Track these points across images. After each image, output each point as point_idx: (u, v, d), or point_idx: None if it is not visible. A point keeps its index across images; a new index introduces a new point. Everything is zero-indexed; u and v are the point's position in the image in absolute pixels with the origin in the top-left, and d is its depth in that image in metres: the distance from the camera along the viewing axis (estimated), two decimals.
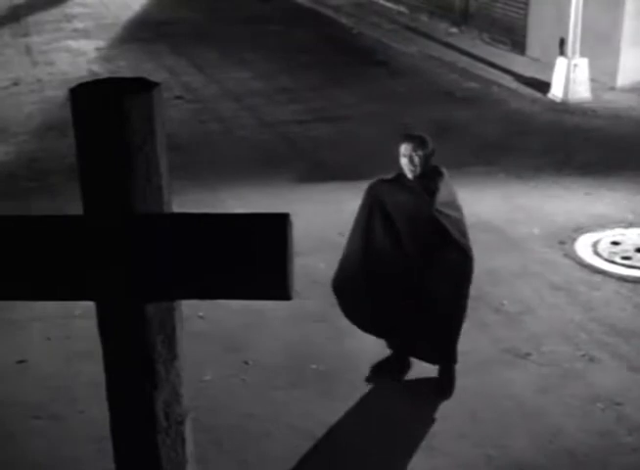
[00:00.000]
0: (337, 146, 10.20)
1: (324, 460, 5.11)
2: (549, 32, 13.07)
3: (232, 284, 2.01)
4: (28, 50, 15.56)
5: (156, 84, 2.06)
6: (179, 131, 10.45)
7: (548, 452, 5.09)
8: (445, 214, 5.32)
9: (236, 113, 11.67)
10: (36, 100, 12.39)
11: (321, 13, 17.97)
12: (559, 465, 5.00)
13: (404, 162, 5.32)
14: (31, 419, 5.46)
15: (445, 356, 5.65)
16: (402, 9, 17.54)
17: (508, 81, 12.68)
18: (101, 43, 15.85)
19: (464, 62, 13.72)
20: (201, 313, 6.47)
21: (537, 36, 13.64)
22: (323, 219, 8.08)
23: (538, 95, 12.00)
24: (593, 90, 11.83)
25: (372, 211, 5.48)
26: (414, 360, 5.82)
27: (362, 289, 5.57)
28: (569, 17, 11.60)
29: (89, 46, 15.64)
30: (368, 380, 5.79)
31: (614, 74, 12.15)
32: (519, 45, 14.07)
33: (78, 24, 17.61)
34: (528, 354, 6.02)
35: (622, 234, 7.84)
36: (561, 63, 11.77)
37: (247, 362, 6.02)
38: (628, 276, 7.09)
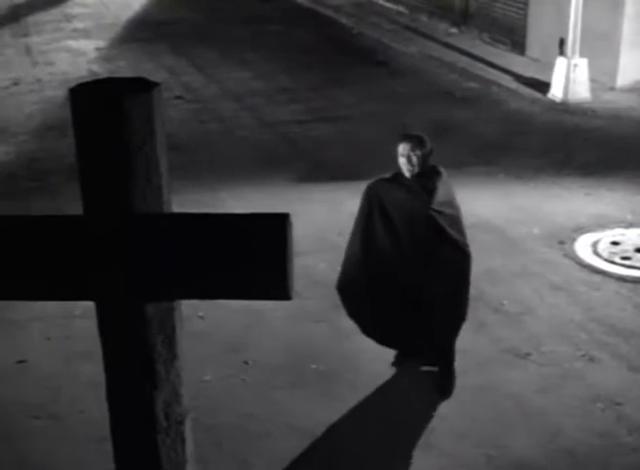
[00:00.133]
0: (337, 146, 10.21)
1: (324, 460, 5.11)
2: (549, 32, 13.07)
3: (232, 284, 2.01)
4: (28, 50, 15.56)
5: (155, 84, 2.06)
6: (179, 131, 10.45)
7: (548, 452, 5.09)
8: (443, 213, 5.34)
9: (236, 113, 11.67)
10: (36, 100, 12.39)
11: (321, 13, 17.97)
12: (559, 465, 5.00)
13: (402, 161, 5.34)
14: (31, 419, 5.46)
15: (443, 356, 5.65)
16: (402, 9, 17.54)
17: (508, 81, 12.68)
18: (101, 43, 15.85)
19: (464, 62, 13.72)
20: (201, 313, 6.47)
21: (537, 36, 13.64)
22: (323, 219, 8.08)
23: (538, 95, 12.00)
24: (593, 90, 11.83)
25: (371, 211, 5.49)
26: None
27: (363, 290, 5.59)
28: (568, 17, 11.60)
29: (89, 46, 15.64)
30: (393, 364, 5.90)
31: (613, 75, 12.15)
32: (518, 45, 14.07)
33: (78, 24, 17.61)
34: (528, 354, 6.02)
35: (622, 234, 7.84)
36: (560, 63, 11.78)
37: (247, 362, 6.02)
38: (628, 276, 7.09)
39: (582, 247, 7.59)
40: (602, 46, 12.06)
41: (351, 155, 9.79)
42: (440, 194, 5.35)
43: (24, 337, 6.40)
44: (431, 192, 5.33)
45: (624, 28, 11.97)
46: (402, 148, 5.34)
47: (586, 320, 6.45)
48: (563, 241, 7.70)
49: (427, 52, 14.47)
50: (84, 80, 2.13)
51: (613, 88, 12.16)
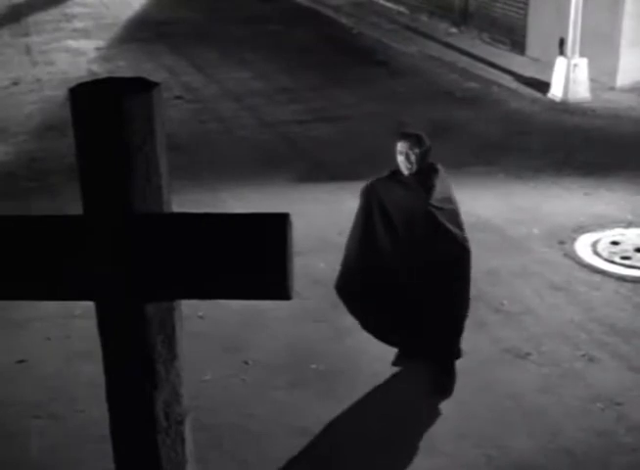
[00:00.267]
0: (337, 146, 10.21)
1: (324, 460, 5.11)
2: (549, 32, 13.07)
3: (232, 284, 2.01)
4: (28, 50, 15.56)
5: (155, 84, 2.06)
6: (179, 131, 10.45)
7: (548, 452, 5.09)
8: (441, 209, 5.37)
9: (236, 113, 11.67)
10: (36, 100, 12.39)
11: (321, 13, 17.97)
12: (558, 465, 5.00)
13: (400, 159, 5.38)
14: (31, 419, 5.46)
15: (446, 352, 5.66)
16: (402, 9, 17.54)
17: (508, 81, 12.68)
18: (100, 43, 15.84)
19: (464, 62, 13.72)
20: (200, 313, 6.47)
21: (537, 36, 13.64)
22: (323, 219, 8.08)
23: (538, 95, 12.00)
24: (593, 90, 11.83)
25: (371, 210, 5.51)
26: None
27: (363, 288, 5.61)
28: (568, 16, 11.60)
29: (89, 46, 15.64)
30: (394, 364, 5.90)
31: (613, 74, 12.15)
32: (518, 45, 14.07)
33: (78, 24, 17.61)
34: (528, 354, 6.02)
35: (622, 234, 7.84)
36: (560, 63, 11.77)
37: (246, 362, 6.02)
38: (628, 276, 7.10)
39: (582, 247, 7.59)
40: (602, 46, 12.06)
41: (351, 155, 9.79)
42: (438, 190, 5.38)
43: (24, 337, 6.40)
44: (429, 189, 5.35)
45: (624, 28, 11.98)
46: (400, 146, 5.38)
47: (586, 320, 6.45)
48: (563, 241, 7.70)
49: (427, 52, 14.47)
50: (84, 80, 2.13)
51: (613, 88, 12.16)
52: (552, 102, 11.72)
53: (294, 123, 11.12)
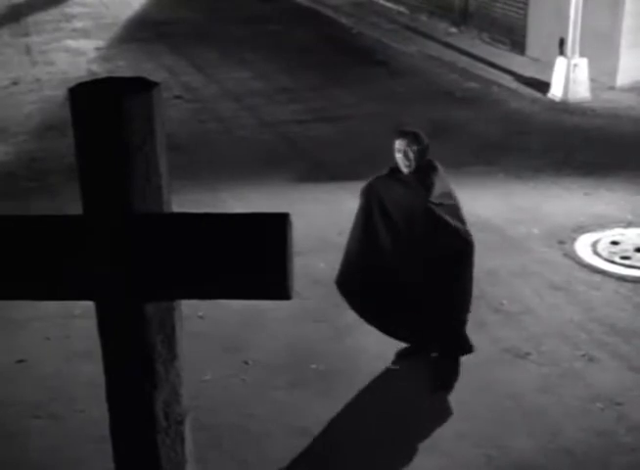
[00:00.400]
0: (337, 146, 10.21)
1: (324, 460, 5.11)
2: (549, 32, 13.07)
3: (232, 284, 2.01)
4: (28, 50, 15.56)
5: (155, 84, 2.06)
6: (179, 131, 10.45)
7: (548, 452, 5.09)
8: (442, 205, 5.39)
9: (236, 112, 11.67)
10: (36, 100, 12.39)
11: (321, 13, 17.97)
12: (558, 465, 5.00)
13: (399, 157, 5.41)
14: (31, 419, 5.46)
15: (452, 345, 5.69)
16: (402, 9, 17.54)
17: (508, 81, 12.68)
18: (100, 43, 15.84)
19: (463, 62, 13.72)
20: (200, 313, 6.47)
21: (537, 36, 13.64)
22: (323, 219, 8.08)
23: (538, 95, 12.00)
24: (593, 90, 11.83)
25: (371, 209, 5.53)
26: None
27: (364, 287, 5.64)
28: (568, 16, 11.60)
29: (88, 46, 15.63)
30: (394, 364, 5.89)
31: (613, 74, 12.15)
32: (518, 45, 14.07)
33: (78, 24, 17.61)
34: (528, 354, 6.02)
35: (622, 234, 7.84)
36: (560, 62, 11.77)
37: (246, 362, 6.02)
38: (628, 276, 7.10)
39: (582, 246, 7.59)
40: (602, 46, 12.06)
41: (351, 155, 9.79)
42: (438, 187, 5.40)
43: (24, 336, 6.40)
44: (428, 187, 5.37)
45: (624, 28, 11.98)
46: (398, 144, 5.41)
47: (586, 320, 6.45)
48: (562, 241, 7.71)
49: (426, 52, 14.47)
50: (84, 80, 2.13)
51: (612, 88, 12.16)
52: (552, 102, 11.72)
53: (293, 123, 11.12)
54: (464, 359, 5.81)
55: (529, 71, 12.98)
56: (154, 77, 2.35)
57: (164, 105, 2.25)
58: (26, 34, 16.84)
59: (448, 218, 5.37)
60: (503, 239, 7.73)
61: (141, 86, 2.04)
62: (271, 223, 1.98)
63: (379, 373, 5.84)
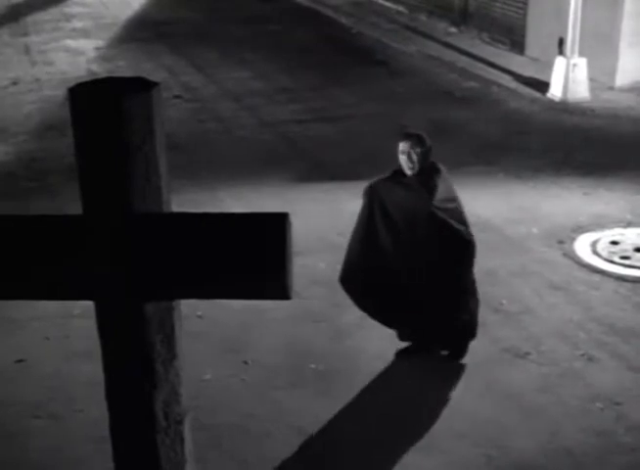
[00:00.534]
0: (336, 146, 10.21)
1: (323, 459, 5.11)
2: (548, 32, 13.07)
3: (231, 284, 2.01)
4: (27, 50, 15.56)
5: (155, 84, 2.06)
6: (178, 131, 10.45)
7: (547, 452, 5.09)
8: (444, 208, 5.43)
9: (235, 112, 11.67)
10: (35, 100, 12.39)
11: (321, 12, 17.97)
12: (558, 464, 5.01)
13: (403, 159, 5.45)
14: (31, 419, 5.46)
15: (458, 344, 5.80)
16: (401, 8, 17.54)
17: (507, 81, 12.68)
18: (100, 43, 15.84)
19: (463, 61, 13.72)
20: (200, 313, 6.47)
21: (536, 36, 13.64)
22: (323, 219, 8.08)
23: (537, 95, 12.00)
24: (592, 90, 11.83)
25: (373, 211, 5.57)
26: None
27: (366, 288, 5.68)
28: (568, 16, 11.60)
29: (88, 46, 15.63)
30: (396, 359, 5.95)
31: (612, 74, 12.15)
32: (518, 45, 14.07)
33: (77, 24, 17.60)
34: (528, 354, 6.02)
35: (621, 234, 7.84)
36: (560, 62, 11.78)
37: (246, 362, 6.02)
38: (627, 276, 7.10)
39: (581, 246, 7.59)
40: (601, 46, 12.06)
41: (351, 155, 9.79)
42: (441, 191, 5.43)
43: (24, 336, 6.40)
44: (431, 190, 5.40)
45: (624, 28, 11.98)
46: (402, 146, 5.45)
47: (585, 320, 6.45)
48: (562, 240, 7.71)
49: (426, 51, 14.47)
50: (83, 80, 2.13)
51: (612, 88, 12.16)
52: (551, 102, 11.72)
53: (293, 123, 11.12)
54: (464, 360, 5.82)
55: (529, 71, 12.99)
56: (153, 77, 2.35)
57: (164, 105, 2.24)
58: (26, 34, 16.84)
59: (451, 221, 5.41)
60: (503, 239, 7.73)
61: (141, 86, 2.04)
62: (271, 223, 1.98)
63: (378, 373, 5.84)
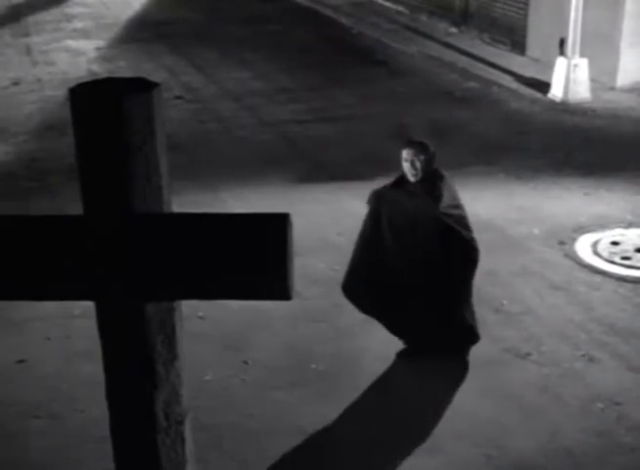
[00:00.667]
0: (336, 146, 10.21)
1: (323, 459, 5.11)
2: (549, 32, 13.07)
3: (232, 284, 2.01)
4: (28, 50, 15.56)
5: (155, 84, 2.06)
6: (179, 131, 10.45)
7: (547, 452, 5.09)
8: (449, 214, 5.50)
9: (236, 113, 11.67)
10: (36, 100, 12.39)
11: (321, 13, 17.97)
12: (558, 465, 5.00)
13: (406, 166, 5.52)
14: (31, 419, 5.46)
15: (460, 342, 5.83)
16: (402, 9, 17.54)
17: (508, 81, 12.68)
18: (101, 43, 15.84)
19: (464, 62, 13.72)
20: (200, 313, 6.47)
21: (537, 36, 13.64)
22: (323, 219, 8.08)
23: (538, 95, 12.00)
24: (593, 90, 11.83)
25: (377, 217, 5.62)
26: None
27: (370, 295, 5.72)
28: (568, 17, 11.60)
29: (89, 46, 15.63)
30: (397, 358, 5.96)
31: (613, 74, 12.15)
32: (519, 45, 14.07)
33: (78, 24, 17.61)
34: (528, 354, 6.02)
35: (622, 234, 7.84)
36: (561, 63, 11.77)
37: (246, 362, 6.02)
38: (628, 276, 7.09)
39: (582, 247, 7.59)
40: (602, 46, 12.06)
41: (351, 155, 9.79)
42: (446, 197, 5.51)
43: (24, 337, 6.40)
44: (436, 198, 5.49)
45: (624, 28, 11.97)
46: (406, 153, 5.52)
47: (586, 320, 6.45)
48: (563, 241, 7.70)
49: (426, 52, 14.47)
50: (84, 80, 2.13)
51: (613, 88, 12.16)
52: (552, 102, 11.72)
53: (293, 123, 11.12)
54: (464, 360, 5.82)
55: (530, 72, 12.98)
56: (154, 78, 2.35)
57: (165, 105, 2.25)
58: (27, 34, 16.84)
59: (457, 227, 5.48)
60: (503, 239, 7.73)
61: (141, 86, 2.04)
62: (271, 223, 1.98)
63: (379, 373, 5.84)
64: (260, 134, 10.77)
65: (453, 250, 5.50)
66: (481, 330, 6.23)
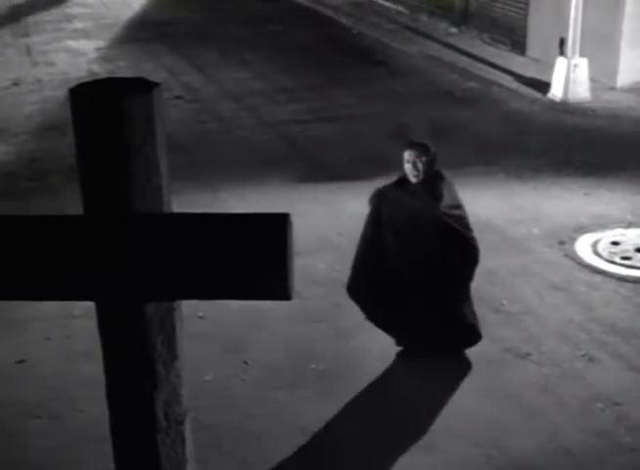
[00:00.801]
0: (336, 146, 10.21)
1: (323, 459, 5.11)
2: (549, 32, 13.07)
3: (232, 284, 2.01)
4: (28, 50, 15.56)
5: (155, 84, 2.06)
6: (179, 131, 10.45)
7: (547, 452, 5.09)
8: (450, 215, 5.52)
9: (235, 113, 11.67)
10: (36, 100, 12.39)
11: (321, 13, 17.97)
12: (558, 465, 5.01)
13: (408, 167, 5.55)
14: (31, 419, 5.46)
15: (461, 340, 5.85)
16: (402, 9, 17.54)
17: (508, 81, 12.68)
18: (101, 43, 15.84)
19: (464, 62, 13.72)
20: (200, 313, 6.47)
21: (537, 36, 13.64)
22: (323, 219, 8.08)
23: (538, 95, 12.00)
24: (593, 90, 11.83)
25: (379, 217, 5.64)
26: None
27: (372, 294, 5.72)
28: (568, 17, 11.60)
29: (89, 46, 15.63)
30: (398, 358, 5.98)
31: (613, 74, 12.15)
32: (519, 45, 14.07)
33: (78, 25, 17.61)
34: (528, 354, 6.02)
35: (622, 234, 7.84)
36: (561, 63, 11.77)
37: (246, 362, 6.02)
38: (628, 276, 7.09)
39: (582, 247, 7.59)
40: (602, 46, 12.06)
41: (351, 155, 9.79)
42: (447, 198, 5.55)
43: (24, 337, 6.40)
44: (437, 197, 5.52)
45: (624, 28, 11.97)
46: (408, 154, 5.55)
47: (586, 320, 6.45)
48: (563, 241, 7.70)
49: (427, 52, 14.47)
50: (84, 80, 2.13)
51: (613, 88, 12.16)
52: (552, 102, 11.72)
53: (293, 123, 11.12)
54: (464, 360, 5.82)
55: (530, 72, 12.98)
56: (154, 78, 2.35)
57: (165, 105, 2.25)
58: (27, 35, 16.84)
59: (458, 227, 5.50)
60: (503, 239, 7.73)
61: (141, 86, 2.04)
62: (271, 223, 1.98)
63: (379, 373, 5.85)
64: (260, 134, 10.77)
65: (453, 249, 5.53)
66: (482, 330, 6.23)
